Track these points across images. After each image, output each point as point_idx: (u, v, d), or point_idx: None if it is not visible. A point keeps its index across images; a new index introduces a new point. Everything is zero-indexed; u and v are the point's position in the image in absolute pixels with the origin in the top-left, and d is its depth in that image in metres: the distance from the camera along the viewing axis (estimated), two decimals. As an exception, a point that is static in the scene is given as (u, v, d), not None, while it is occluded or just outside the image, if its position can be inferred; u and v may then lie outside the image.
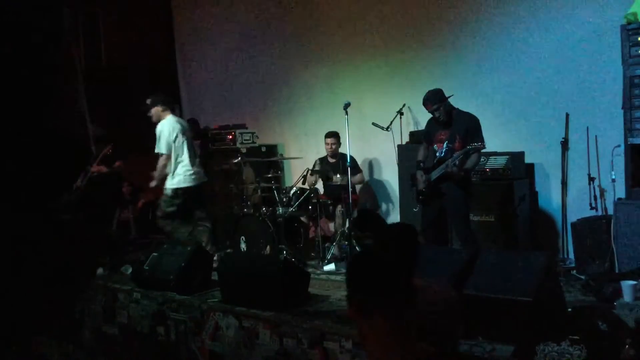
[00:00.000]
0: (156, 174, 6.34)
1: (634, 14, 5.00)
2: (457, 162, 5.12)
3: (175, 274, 5.27)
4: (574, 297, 4.58)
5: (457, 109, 5.40)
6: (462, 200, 5.30)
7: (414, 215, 5.90)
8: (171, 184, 6.28)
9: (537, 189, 6.38)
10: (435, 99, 5.29)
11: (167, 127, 6.27)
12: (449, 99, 5.37)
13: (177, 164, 6.28)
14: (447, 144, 5.30)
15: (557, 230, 6.19)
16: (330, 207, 6.90)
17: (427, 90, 5.40)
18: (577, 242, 5.51)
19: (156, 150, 6.27)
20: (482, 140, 5.12)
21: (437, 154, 5.40)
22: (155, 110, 6.37)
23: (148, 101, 6.40)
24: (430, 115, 5.51)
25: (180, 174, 6.29)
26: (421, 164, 5.56)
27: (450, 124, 5.32)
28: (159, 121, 6.33)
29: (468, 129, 5.23)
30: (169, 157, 6.24)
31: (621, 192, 5.35)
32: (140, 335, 5.31)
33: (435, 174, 5.29)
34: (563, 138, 6.08)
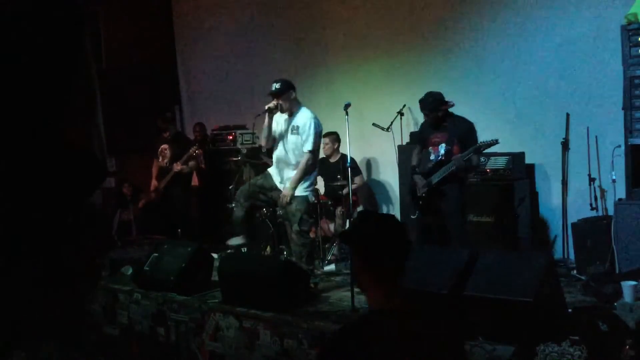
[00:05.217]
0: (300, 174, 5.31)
1: (634, 15, 5.00)
2: (466, 158, 5.12)
3: (175, 275, 5.26)
4: (574, 298, 4.58)
5: (451, 112, 5.42)
6: (461, 201, 5.33)
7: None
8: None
9: (537, 190, 6.38)
10: (437, 101, 5.30)
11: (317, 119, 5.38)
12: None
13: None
14: (444, 146, 5.30)
15: (557, 231, 6.19)
16: (331, 208, 6.90)
17: (426, 91, 5.41)
18: (577, 242, 5.51)
19: (308, 148, 5.30)
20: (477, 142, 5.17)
21: (432, 157, 5.39)
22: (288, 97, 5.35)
23: (278, 86, 5.30)
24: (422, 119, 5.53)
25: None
26: (416, 169, 5.55)
27: (447, 127, 5.33)
28: (287, 111, 5.38)
29: (466, 131, 5.28)
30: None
31: (621, 193, 5.35)
32: (140, 335, 5.30)
33: (437, 177, 5.27)
34: (563, 138, 6.08)
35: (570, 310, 3.89)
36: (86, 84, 1.39)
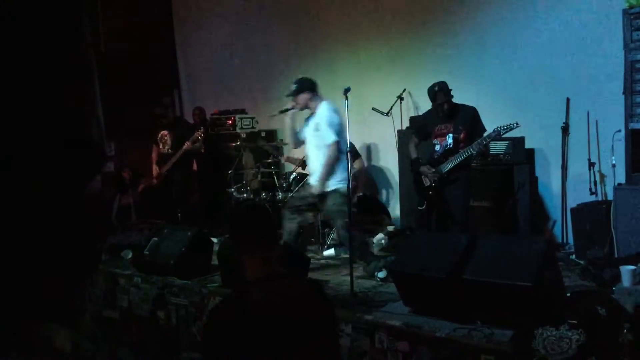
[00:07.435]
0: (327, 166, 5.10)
1: (636, -2, 4.98)
2: (487, 143, 5.10)
3: (175, 259, 5.28)
4: (573, 282, 4.59)
5: (454, 102, 5.39)
6: (469, 188, 5.34)
7: (413, 197, 5.88)
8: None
9: (537, 174, 6.38)
10: (447, 90, 5.24)
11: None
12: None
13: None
14: (452, 135, 5.26)
15: (556, 216, 6.20)
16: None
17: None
18: (576, 227, 5.52)
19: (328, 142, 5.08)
20: (484, 129, 5.16)
21: (438, 148, 5.35)
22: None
23: (293, 87, 5.19)
24: (422, 110, 5.47)
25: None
26: (419, 160, 5.52)
27: (452, 116, 5.29)
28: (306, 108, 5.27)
29: (473, 119, 5.26)
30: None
31: (621, 177, 5.36)
32: (140, 319, 5.33)
33: (448, 165, 5.23)
34: (564, 123, 6.07)
35: (568, 294, 3.90)
36: (84, 68, 1.38)
